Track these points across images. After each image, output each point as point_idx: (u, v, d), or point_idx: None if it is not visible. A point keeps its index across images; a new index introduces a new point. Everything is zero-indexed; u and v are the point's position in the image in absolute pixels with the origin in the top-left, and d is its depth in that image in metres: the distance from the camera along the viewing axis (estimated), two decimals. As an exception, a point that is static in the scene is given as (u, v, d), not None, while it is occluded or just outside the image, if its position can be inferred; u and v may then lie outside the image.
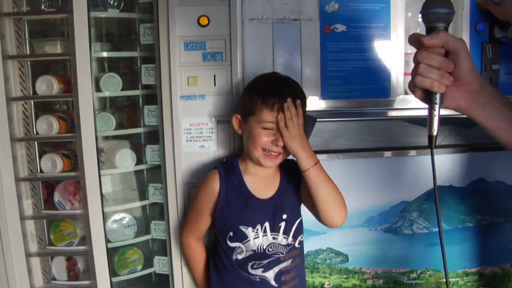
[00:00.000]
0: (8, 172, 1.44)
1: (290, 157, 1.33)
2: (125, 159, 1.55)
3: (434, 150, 0.90)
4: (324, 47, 1.54)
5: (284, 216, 1.35)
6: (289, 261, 1.38)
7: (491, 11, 1.55)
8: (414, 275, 1.77)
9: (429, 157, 0.90)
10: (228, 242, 1.35)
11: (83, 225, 1.53)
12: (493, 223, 1.79)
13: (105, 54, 1.54)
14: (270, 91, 1.28)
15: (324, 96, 1.55)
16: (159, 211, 1.58)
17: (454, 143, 1.64)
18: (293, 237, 1.37)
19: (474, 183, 1.74)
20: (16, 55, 1.46)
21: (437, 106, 0.86)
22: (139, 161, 1.57)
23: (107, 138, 1.56)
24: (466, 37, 1.58)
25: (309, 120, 1.36)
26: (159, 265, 1.60)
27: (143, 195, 1.59)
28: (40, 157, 1.51)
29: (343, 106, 1.56)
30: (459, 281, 1.80)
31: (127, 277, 1.58)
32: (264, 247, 1.34)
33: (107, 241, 1.50)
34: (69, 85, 1.45)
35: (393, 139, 1.63)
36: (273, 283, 1.37)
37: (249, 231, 1.33)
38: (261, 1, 1.48)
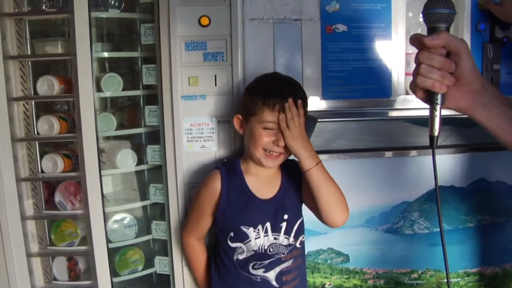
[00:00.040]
0: (9, 172, 1.44)
1: (291, 157, 1.33)
2: (126, 159, 1.55)
3: (435, 150, 0.90)
4: (325, 47, 1.54)
5: (286, 217, 1.35)
6: (290, 261, 1.38)
7: (492, 11, 1.55)
8: (415, 275, 1.77)
9: (430, 157, 0.90)
10: (229, 242, 1.35)
11: (84, 225, 1.53)
12: (494, 223, 1.79)
13: (106, 54, 1.54)
14: (271, 91, 1.28)
15: (325, 96, 1.55)
16: (160, 211, 1.58)
17: (455, 143, 1.64)
18: (294, 237, 1.37)
19: (475, 183, 1.74)
20: (17, 55, 1.46)
21: (438, 107, 0.86)
22: (140, 161, 1.57)
23: (108, 138, 1.56)
24: (467, 37, 1.58)
25: (310, 120, 1.36)
26: (160, 265, 1.60)
27: (144, 195, 1.59)
28: (41, 157, 1.51)
29: (344, 106, 1.56)
30: (460, 281, 1.80)
31: (128, 277, 1.58)
32: (265, 248, 1.34)
33: (108, 241, 1.50)
34: (70, 85, 1.46)
35: (394, 139, 1.63)
36: (274, 283, 1.37)
37: (250, 231, 1.33)
38: (262, 1, 1.48)
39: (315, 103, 1.53)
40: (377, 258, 1.74)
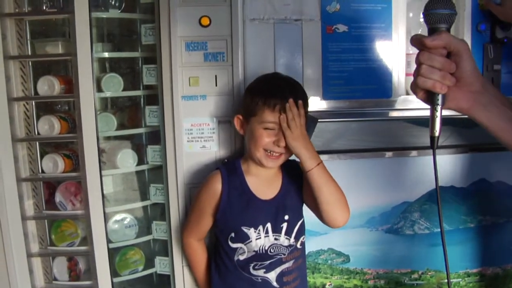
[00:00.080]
0: (9, 173, 1.44)
1: (292, 157, 1.33)
2: (127, 160, 1.55)
3: (436, 150, 0.90)
4: (326, 48, 1.54)
5: (286, 217, 1.35)
6: (291, 262, 1.38)
7: (493, 12, 1.55)
8: (415, 275, 1.76)
9: (431, 157, 0.90)
10: (230, 243, 1.35)
11: (84, 226, 1.53)
12: (495, 224, 1.79)
13: (106, 54, 1.54)
14: (272, 91, 1.28)
15: (325, 96, 1.55)
16: (160, 211, 1.58)
17: (455, 143, 1.64)
18: (295, 238, 1.37)
19: (476, 184, 1.74)
20: (18, 55, 1.46)
21: (439, 107, 0.86)
22: (141, 161, 1.57)
23: (108, 138, 1.56)
24: (467, 38, 1.58)
25: (311, 121, 1.36)
26: (160, 265, 1.60)
27: (144, 196, 1.59)
28: (42, 157, 1.51)
29: (345, 107, 1.56)
30: (461, 282, 1.80)
31: (128, 277, 1.58)
32: (266, 248, 1.34)
33: (108, 241, 1.50)
34: (71, 85, 1.45)
35: (395, 140, 1.63)
36: (275, 284, 1.37)
37: (251, 232, 1.33)
38: (263, 1, 1.48)
39: (316, 103, 1.53)
40: (377, 258, 1.74)
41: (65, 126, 1.49)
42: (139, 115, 1.56)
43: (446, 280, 1.73)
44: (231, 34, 1.44)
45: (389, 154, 1.67)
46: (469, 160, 1.72)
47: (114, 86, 1.50)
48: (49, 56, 1.50)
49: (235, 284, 1.39)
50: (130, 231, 1.57)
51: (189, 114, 1.47)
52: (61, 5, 1.48)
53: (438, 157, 0.90)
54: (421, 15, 0.87)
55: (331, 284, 1.72)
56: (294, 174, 1.38)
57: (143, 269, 1.60)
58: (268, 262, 1.36)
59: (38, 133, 1.50)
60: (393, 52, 1.57)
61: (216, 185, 1.35)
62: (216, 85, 1.46)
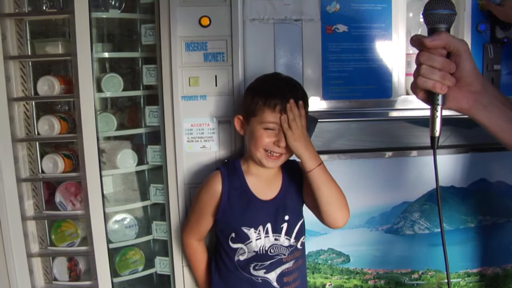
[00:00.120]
0: (9, 173, 1.44)
1: (292, 157, 1.33)
2: (126, 160, 1.55)
3: (436, 150, 0.90)
4: (326, 48, 1.54)
5: (286, 217, 1.35)
6: (292, 262, 1.38)
7: (493, 12, 1.55)
8: (415, 275, 1.76)
9: (431, 157, 0.90)
10: (230, 243, 1.35)
11: (84, 226, 1.53)
12: (495, 224, 1.79)
13: (106, 54, 1.54)
14: (272, 92, 1.27)
15: (325, 96, 1.55)
16: (160, 211, 1.58)
17: (456, 143, 1.64)
18: (295, 238, 1.37)
19: (476, 184, 1.74)
20: (18, 55, 1.46)
21: (439, 107, 0.86)
22: (140, 161, 1.57)
23: (108, 138, 1.56)
24: (467, 38, 1.58)
25: (311, 121, 1.36)
26: (160, 265, 1.60)
27: (144, 196, 1.59)
28: (42, 157, 1.51)
29: (345, 107, 1.56)
30: (461, 282, 1.80)
31: (128, 277, 1.58)
32: (266, 248, 1.34)
33: (108, 241, 1.50)
34: (71, 85, 1.46)
35: (395, 140, 1.63)
36: (275, 284, 1.37)
37: (251, 232, 1.33)
38: (263, 1, 1.48)
39: (316, 104, 1.53)
40: (377, 258, 1.74)
41: (65, 126, 1.49)
42: (139, 115, 1.57)
43: (446, 280, 1.73)
44: (231, 34, 1.44)
45: (389, 154, 1.67)
46: (469, 160, 1.72)
47: (114, 86, 1.50)
48: (49, 56, 1.50)
49: (235, 285, 1.39)
50: (130, 231, 1.57)
51: (189, 114, 1.47)
52: (61, 5, 1.48)
53: (438, 157, 0.90)
54: (421, 15, 0.86)
55: (331, 284, 1.72)
56: (294, 174, 1.38)
57: (143, 269, 1.60)
58: (269, 262, 1.36)
59: (38, 133, 1.50)
60: (393, 52, 1.57)
61: (216, 186, 1.35)
62: (216, 85, 1.46)
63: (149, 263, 1.61)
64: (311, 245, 1.65)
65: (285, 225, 1.35)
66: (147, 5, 1.48)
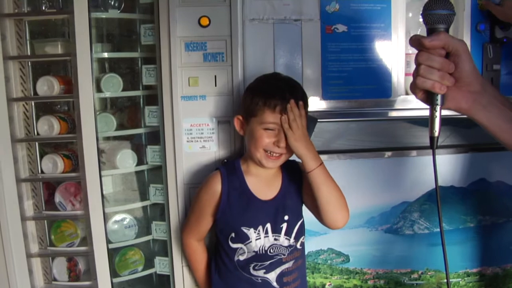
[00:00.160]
0: (9, 173, 1.44)
1: (292, 157, 1.33)
2: (126, 160, 1.55)
3: (435, 150, 0.90)
4: (325, 48, 1.54)
5: (286, 217, 1.35)
6: (291, 262, 1.38)
7: (492, 12, 1.55)
8: (415, 275, 1.77)
9: (430, 157, 0.90)
10: (230, 243, 1.35)
11: (84, 226, 1.53)
12: (494, 224, 1.79)
13: (105, 54, 1.54)
14: (272, 92, 1.27)
15: (325, 96, 1.55)
16: (160, 211, 1.58)
17: (455, 143, 1.64)
18: (295, 238, 1.37)
19: (475, 184, 1.74)
20: (17, 55, 1.46)
21: (438, 107, 0.86)
22: (140, 161, 1.57)
23: (108, 138, 1.56)
24: (467, 38, 1.58)
25: (310, 121, 1.36)
26: (160, 265, 1.60)
27: (144, 196, 1.59)
28: (41, 157, 1.51)
29: (344, 107, 1.56)
30: (460, 282, 1.80)
31: (128, 277, 1.58)
32: (266, 248, 1.34)
33: (108, 241, 1.50)
34: (70, 85, 1.46)
35: (394, 140, 1.63)
36: (275, 284, 1.37)
37: (250, 232, 1.33)
38: (262, 1, 1.48)
39: (315, 103, 1.53)
40: (377, 258, 1.74)
41: (64, 127, 1.49)
42: (138, 115, 1.57)
43: (446, 280, 1.73)
44: (230, 34, 1.44)
45: (388, 154, 1.67)
46: (469, 160, 1.72)
47: (114, 86, 1.50)
48: (48, 57, 1.50)
49: (235, 285, 1.39)
50: (130, 231, 1.57)
51: (189, 114, 1.47)
52: (61, 5, 1.49)
53: (438, 157, 0.90)
54: (420, 16, 0.86)
55: (330, 284, 1.72)
56: (294, 174, 1.38)
57: (143, 270, 1.60)
58: (268, 262, 1.36)
59: (38, 134, 1.50)
60: (393, 52, 1.57)
61: (216, 186, 1.35)
62: (215, 85, 1.46)
63: (149, 263, 1.61)
64: (311, 245, 1.65)
65: (284, 225, 1.35)
66: (146, 5, 1.48)
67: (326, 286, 1.72)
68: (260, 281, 1.37)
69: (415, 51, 0.86)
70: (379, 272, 1.75)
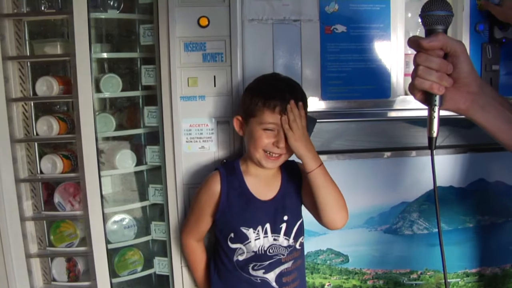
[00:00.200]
0: (8, 173, 1.44)
1: (291, 158, 1.33)
2: (125, 160, 1.55)
3: (434, 150, 0.90)
4: (324, 48, 1.54)
5: (285, 218, 1.35)
6: (290, 262, 1.38)
7: (492, 12, 1.55)
8: (414, 275, 1.77)
9: (429, 157, 0.90)
10: (229, 243, 1.35)
11: (83, 226, 1.53)
12: (494, 224, 1.79)
13: (105, 55, 1.54)
14: (271, 92, 1.27)
15: (324, 96, 1.55)
16: (159, 212, 1.58)
17: (454, 143, 1.64)
18: (294, 238, 1.37)
19: (474, 184, 1.74)
20: (16, 56, 1.46)
21: (436, 108, 0.87)
22: (139, 162, 1.57)
23: (107, 139, 1.56)
24: (466, 38, 1.58)
25: (309, 121, 1.36)
26: (159, 266, 1.60)
27: (143, 196, 1.59)
28: (40, 158, 1.51)
29: (343, 107, 1.57)
30: (459, 282, 1.80)
31: (127, 278, 1.58)
32: (265, 249, 1.34)
33: (107, 242, 1.50)
34: (69, 86, 1.46)
35: (393, 140, 1.63)
36: (274, 284, 1.37)
37: (250, 232, 1.33)
38: (261, 2, 1.49)
39: (314, 104, 1.53)
40: (376, 258, 1.74)
41: (63, 127, 1.49)
42: (137, 116, 1.57)
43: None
44: (229, 35, 1.44)
45: (387, 154, 1.67)
46: (468, 160, 1.72)
47: (113, 86, 1.50)
48: (47, 57, 1.50)
49: (234, 285, 1.39)
50: (129, 231, 1.57)
51: (188, 115, 1.47)
52: (60, 5, 1.48)
53: (437, 157, 0.90)
54: (419, 17, 0.87)
55: (330, 284, 1.72)
56: (293, 174, 1.38)
57: (142, 270, 1.60)
58: (267, 262, 1.36)
59: (37, 134, 1.50)
60: (392, 53, 1.57)
61: (215, 186, 1.35)
62: (214, 86, 1.46)
63: (148, 264, 1.61)
64: (310, 245, 1.65)
65: (284, 225, 1.35)
66: (145, 5, 1.48)
67: (325, 286, 1.72)
68: (259, 281, 1.37)
69: (414, 52, 0.86)
70: (378, 272, 1.75)
